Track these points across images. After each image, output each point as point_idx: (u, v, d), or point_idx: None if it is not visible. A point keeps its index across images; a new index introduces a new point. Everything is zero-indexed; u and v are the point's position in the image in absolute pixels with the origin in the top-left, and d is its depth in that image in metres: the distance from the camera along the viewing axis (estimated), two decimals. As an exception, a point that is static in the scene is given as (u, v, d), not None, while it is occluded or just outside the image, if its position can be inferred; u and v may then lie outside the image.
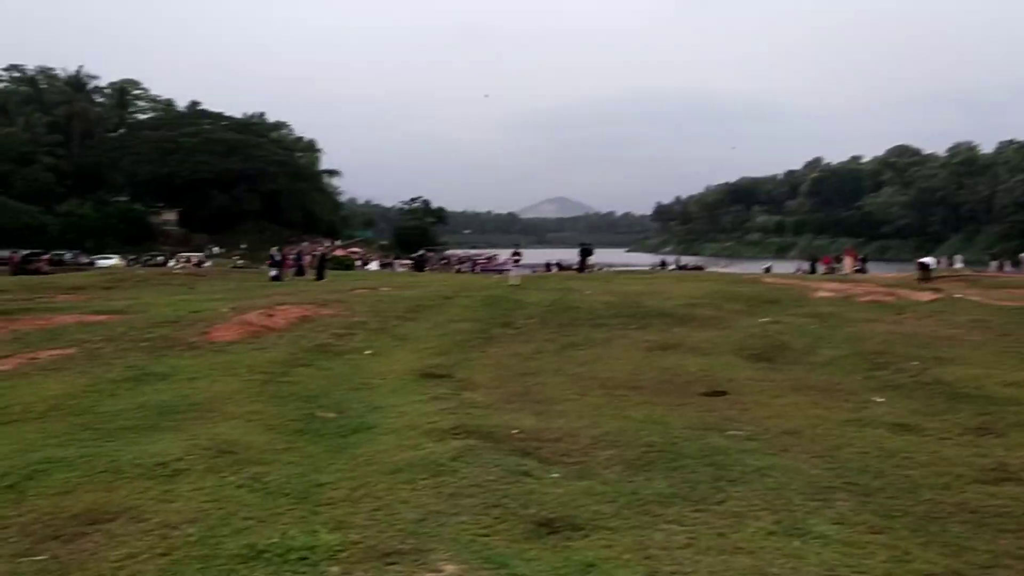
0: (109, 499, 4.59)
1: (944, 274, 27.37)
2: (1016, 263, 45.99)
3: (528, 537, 4.09)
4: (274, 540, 3.83)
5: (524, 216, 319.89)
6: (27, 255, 42.11)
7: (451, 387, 8.55)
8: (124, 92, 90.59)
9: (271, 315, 13.40)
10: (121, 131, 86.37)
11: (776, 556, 3.90)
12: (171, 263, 50.05)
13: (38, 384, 8.43)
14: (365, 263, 53.18)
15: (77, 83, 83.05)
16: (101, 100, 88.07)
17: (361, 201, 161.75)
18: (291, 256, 35.15)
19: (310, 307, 14.94)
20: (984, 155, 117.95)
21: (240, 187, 77.08)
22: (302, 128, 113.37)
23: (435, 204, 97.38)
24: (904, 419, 7.18)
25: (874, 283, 22.41)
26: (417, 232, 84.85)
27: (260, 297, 17.58)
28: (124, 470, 5.10)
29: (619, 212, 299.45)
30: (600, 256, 51.86)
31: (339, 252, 60.63)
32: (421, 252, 61.24)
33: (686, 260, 70.48)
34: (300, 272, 30.79)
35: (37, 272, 36.91)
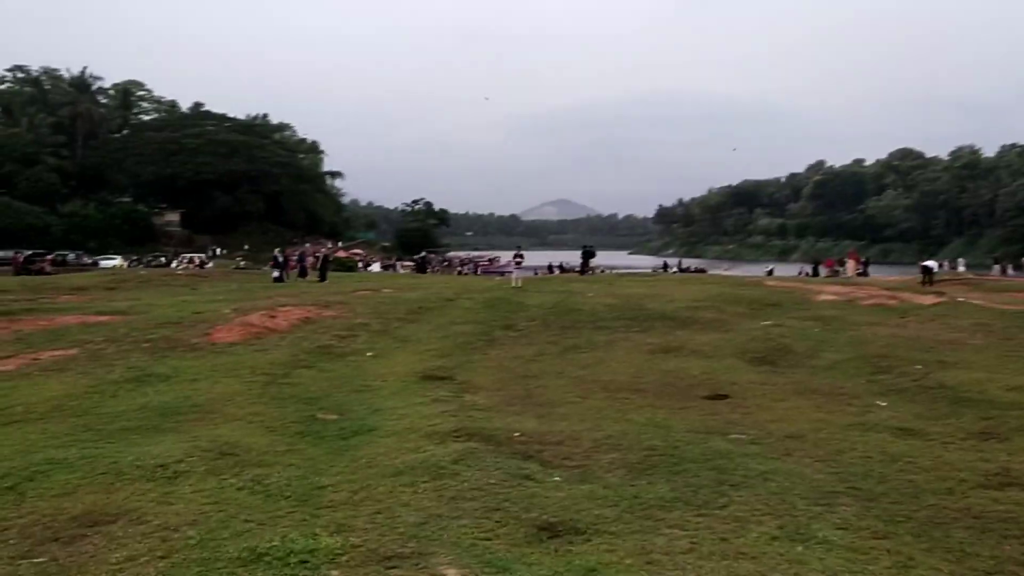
0: (109, 501, 4.58)
1: (947, 277, 27.30)
2: (1019, 267, 45.88)
3: (529, 541, 4.08)
4: (275, 543, 3.82)
5: (526, 218, 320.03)
6: (30, 255, 42.13)
7: (452, 389, 8.54)
8: (128, 93, 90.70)
9: (273, 316, 13.40)
10: (125, 132, 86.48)
11: (779, 561, 3.87)
12: (174, 264, 50.05)
13: (40, 385, 8.44)
14: (367, 265, 53.13)
15: (81, 84, 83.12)
16: (105, 101, 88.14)
17: (363, 203, 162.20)
18: (294, 257, 35.18)
19: (312, 309, 14.94)
20: (986, 159, 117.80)
21: (243, 188, 77.15)
22: (305, 130, 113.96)
23: (437, 206, 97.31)
24: (907, 423, 7.16)
25: (877, 286, 22.37)
26: (419, 234, 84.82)
27: (262, 298, 17.59)
28: (125, 472, 5.10)
29: (621, 214, 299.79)
30: (602, 258, 51.91)
31: (341, 254, 60.64)
32: (423, 254, 61.28)
33: (688, 263, 70.35)
34: (303, 273, 30.76)
35: (40, 273, 36.94)
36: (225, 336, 11.65)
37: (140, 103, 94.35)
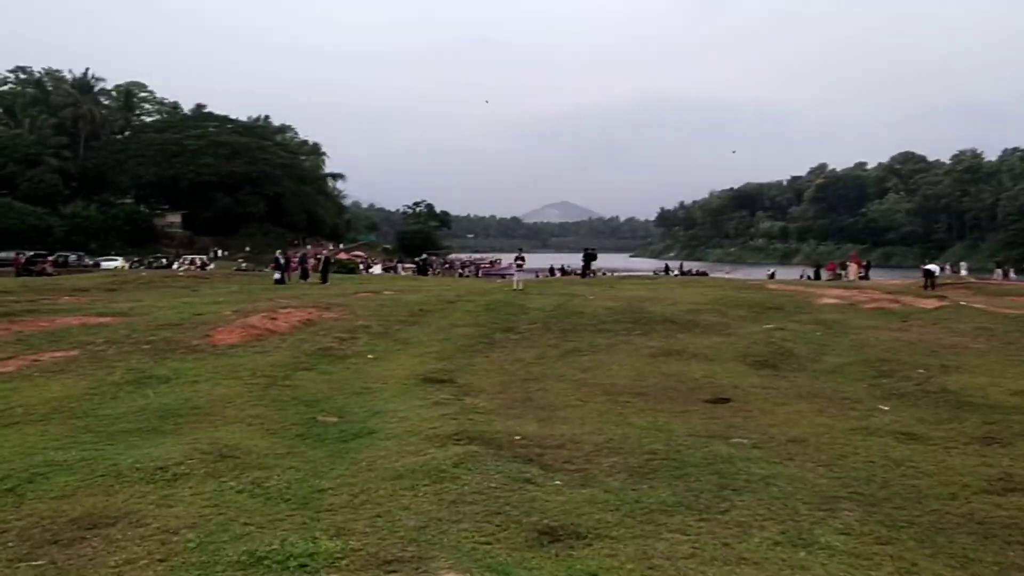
0: (108, 503, 4.57)
1: (949, 281, 27.26)
2: (1021, 271, 45.85)
3: (530, 545, 4.06)
4: (274, 547, 3.80)
5: (528, 221, 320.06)
6: (32, 256, 42.16)
7: (453, 392, 8.52)
8: (130, 94, 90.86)
9: (274, 318, 13.38)
10: (127, 133, 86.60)
11: (782, 567, 3.85)
12: (175, 265, 50.08)
13: (40, 386, 8.43)
14: (368, 267, 53.13)
15: (83, 85, 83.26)
16: (107, 102, 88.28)
17: (365, 205, 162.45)
18: (295, 259, 35.18)
19: (313, 311, 14.92)
20: (988, 163, 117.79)
21: (244, 190, 77.20)
22: (307, 131, 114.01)
23: (439, 208, 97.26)
24: (910, 428, 7.14)
25: (879, 290, 22.33)
26: (420, 236, 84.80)
27: (263, 300, 17.57)
28: (124, 474, 5.08)
29: (623, 217, 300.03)
30: (604, 261, 51.80)
31: (343, 256, 60.68)
32: (424, 256, 61.33)
33: (689, 266, 70.25)
34: (304, 275, 30.77)
35: (41, 274, 36.96)
36: (226, 338, 11.63)
37: (142, 104, 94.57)
